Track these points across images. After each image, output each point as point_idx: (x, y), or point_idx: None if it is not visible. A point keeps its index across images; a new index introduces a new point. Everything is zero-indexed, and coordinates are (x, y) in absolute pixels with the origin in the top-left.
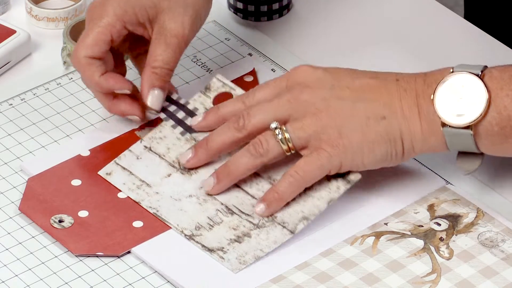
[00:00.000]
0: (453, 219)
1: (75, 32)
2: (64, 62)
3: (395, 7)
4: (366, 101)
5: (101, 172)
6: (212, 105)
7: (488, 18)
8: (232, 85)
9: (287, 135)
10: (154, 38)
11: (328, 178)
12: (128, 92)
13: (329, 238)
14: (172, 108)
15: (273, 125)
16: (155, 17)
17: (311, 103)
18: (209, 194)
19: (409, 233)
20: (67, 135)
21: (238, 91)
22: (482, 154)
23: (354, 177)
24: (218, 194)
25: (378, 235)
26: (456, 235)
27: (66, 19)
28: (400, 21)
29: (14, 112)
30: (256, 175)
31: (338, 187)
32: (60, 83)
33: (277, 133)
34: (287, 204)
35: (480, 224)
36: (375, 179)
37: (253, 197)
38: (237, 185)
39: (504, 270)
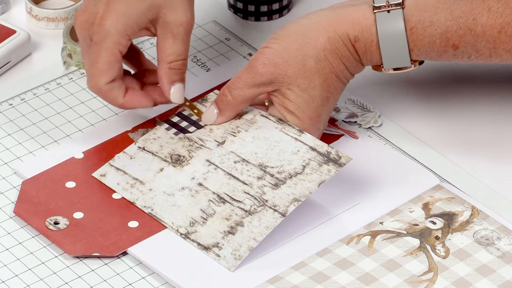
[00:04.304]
0: (449, 217)
1: (75, 32)
2: (64, 62)
3: None
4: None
5: (96, 174)
6: None
7: None
8: None
9: None
10: (160, 33)
11: (319, 163)
12: (150, 107)
13: (325, 238)
14: (176, 118)
15: None
16: (156, 15)
17: None
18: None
19: (405, 232)
20: (67, 135)
21: None
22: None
23: (345, 160)
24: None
25: (373, 234)
26: (451, 233)
27: (66, 19)
28: None
29: (14, 112)
30: (246, 162)
31: (329, 170)
32: (60, 83)
33: None
34: (279, 187)
35: (476, 222)
36: (369, 178)
37: (244, 183)
38: (228, 173)
39: (500, 268)
